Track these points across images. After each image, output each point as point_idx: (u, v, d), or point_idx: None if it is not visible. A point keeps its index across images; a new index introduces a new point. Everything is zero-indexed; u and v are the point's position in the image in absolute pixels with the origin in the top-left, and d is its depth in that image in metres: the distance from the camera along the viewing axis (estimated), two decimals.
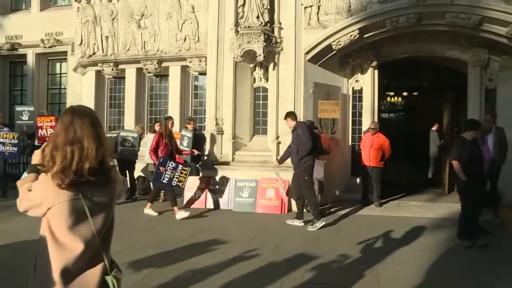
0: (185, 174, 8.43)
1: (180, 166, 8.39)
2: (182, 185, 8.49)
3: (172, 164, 8.31)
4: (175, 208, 8.25)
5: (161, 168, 8.18)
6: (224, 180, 9.38)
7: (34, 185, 2.03)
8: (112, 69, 11.61)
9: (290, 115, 8.07)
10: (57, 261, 1.97)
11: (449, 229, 7.32)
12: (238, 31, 9.44)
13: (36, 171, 2.12)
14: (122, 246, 6.17)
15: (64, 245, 1.98)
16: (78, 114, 2.11)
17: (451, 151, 6.91)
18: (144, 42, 11.22)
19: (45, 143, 2.17)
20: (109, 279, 2.07)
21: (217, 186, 9.40)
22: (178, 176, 8.32)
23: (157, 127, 10.16)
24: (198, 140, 9.75)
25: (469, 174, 6.36)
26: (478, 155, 6.61)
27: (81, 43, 11.85)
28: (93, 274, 2.04)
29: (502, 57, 9.59)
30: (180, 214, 8.12)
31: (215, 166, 9.66)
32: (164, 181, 8.23)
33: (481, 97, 9.96)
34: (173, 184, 8.30)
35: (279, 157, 8.68)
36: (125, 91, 11.80)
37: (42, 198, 1.98)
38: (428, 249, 6.35)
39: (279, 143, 9.43)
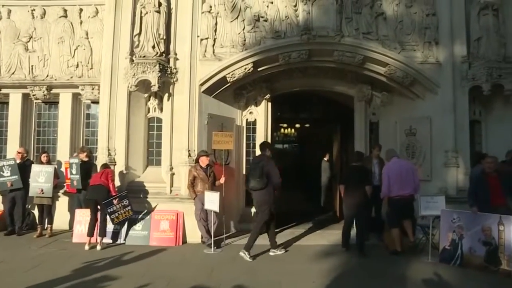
0: (125, 216, 8.68)
1: (129, 207, 8.74)
2: (114, 223, 8.64)
3: (126, 201, 8.68)
4: (90, 238, 8.31)
5: (116, 200, 8.51)
6: None
7: None
8: None
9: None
10: None
11: (340, 254, 7.84)
12: (133, 60, 9.28)
13: None
14: None
15: None
16: None
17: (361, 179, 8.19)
18: (32, 66, 10.50)
19: None
20: None
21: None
22: (120, 213, 8.59)
23: (44, 158, 9.60)
24: (88, 168, 9.28)
25: None
26: None
27: None
28: None
29: (383, 94, 10.47)
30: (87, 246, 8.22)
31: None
32: (108, 209, 8.39)
33: (366, 129, 10.70)
34: (112, 217, 8.48)
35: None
36: (8, 117, 10.86)
37: None
38: (321, 275, 6.64)
39: (173, 174, 9.37)
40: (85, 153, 9.45)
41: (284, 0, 9.51)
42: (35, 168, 9.54)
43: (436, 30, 9.54)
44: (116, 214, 8.55)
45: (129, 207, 8.73)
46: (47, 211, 9.48)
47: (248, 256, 7.59)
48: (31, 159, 10.28)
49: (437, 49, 9.55)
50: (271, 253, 7.99)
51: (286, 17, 9.47)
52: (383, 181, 8.24)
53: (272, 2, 9.53)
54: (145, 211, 9.09)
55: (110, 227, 8.75)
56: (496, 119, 9.76)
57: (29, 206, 9.94)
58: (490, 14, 9.38)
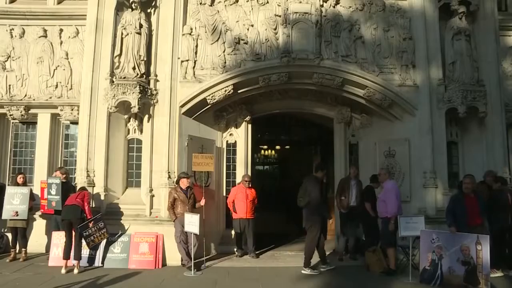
0: (101, 239, 8.51)
1: (105, 230, 8.54)
2: (90, 246, 8.45)
3: (101, 224, 8.49)
4: (66, 261, 8.14)
5: (91, 223, 8.32)
6: None
7: None
8: None
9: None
10: None
11: (321, 275, 7.83)
12: (113, 81, 9.25)
13: None
14: None
15: None
16: None
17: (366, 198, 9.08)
18: (10, 85, 10.39)
19: None
20: None
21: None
22: (96, 236, 8.41)
23: (20, 179, 9.37)
24: (67, 189, 9.06)
25: None
26: None
27: None
28: None
29: (362, 116, 10.61)
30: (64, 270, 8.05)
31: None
32: (83, 233, 8.20)
33: (345, 151, 10.83)
34: (87, 241, 8.29)
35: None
36: None
37: None
38: None
39: (152, 196, 9.26)
40: (64, 174, 9.29)
41: (265, 23, 9.66)
42: (10, 189, 9.31)
43: (413, 53, 9.79)
44: (92, 238, 8.33)
45: (105, 230, 8.51)
46: (22, 234, 9.19)
47: (309, 271, 8.10)
48: (2, 181, 10.07)
49: (414, 72, 9.78)
50: (321, 269, 8.32)
51: (266, 40, 9.61)
52: (391, 200, 8.19)
53: (252, 25, 9.67)
54: (124, 233, 8.94)
55: (87, 249, 8.56)
56: (472, 140, 9.96)
57: (6, 230, 9.64)
58: (463, 39, 9.68)
